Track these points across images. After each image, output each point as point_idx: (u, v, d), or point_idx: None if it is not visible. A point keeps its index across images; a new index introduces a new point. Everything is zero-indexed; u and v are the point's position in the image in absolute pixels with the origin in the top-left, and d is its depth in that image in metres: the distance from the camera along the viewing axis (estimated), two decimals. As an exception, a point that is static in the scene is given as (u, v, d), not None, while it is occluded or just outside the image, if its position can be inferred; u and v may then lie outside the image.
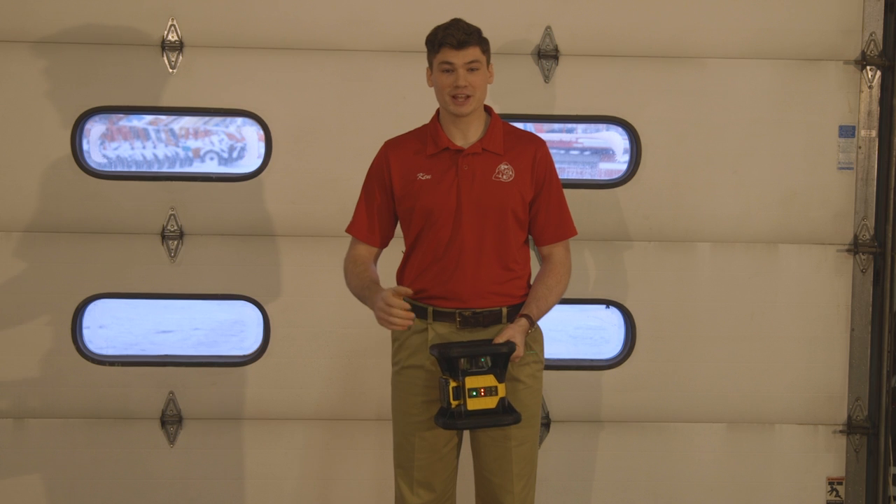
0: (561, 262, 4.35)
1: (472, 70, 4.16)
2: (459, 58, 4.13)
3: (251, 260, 5.47)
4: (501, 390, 4.06)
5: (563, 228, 4.38)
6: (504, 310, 4.27)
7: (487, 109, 4.34)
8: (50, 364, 5.43)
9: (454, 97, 4.18)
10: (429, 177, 4.25)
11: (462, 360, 4.04)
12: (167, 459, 5.50)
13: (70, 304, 5.43)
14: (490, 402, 4.06)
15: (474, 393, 4.04)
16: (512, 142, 4.31)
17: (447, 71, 4.16)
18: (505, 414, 4.07)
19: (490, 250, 4.25)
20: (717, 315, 5.55)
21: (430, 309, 4.28)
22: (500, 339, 4.10)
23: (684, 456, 5.59)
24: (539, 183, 4.30)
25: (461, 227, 4.22)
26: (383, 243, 4.42)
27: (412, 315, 4.08)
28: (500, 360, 4.06)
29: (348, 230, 4.40)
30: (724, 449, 5.60)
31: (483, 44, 4.20)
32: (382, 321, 4.10)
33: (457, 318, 4.26)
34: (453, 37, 4.12)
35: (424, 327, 4.28)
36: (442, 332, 4.26)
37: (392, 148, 4.35)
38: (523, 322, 4.18)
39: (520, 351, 4.10)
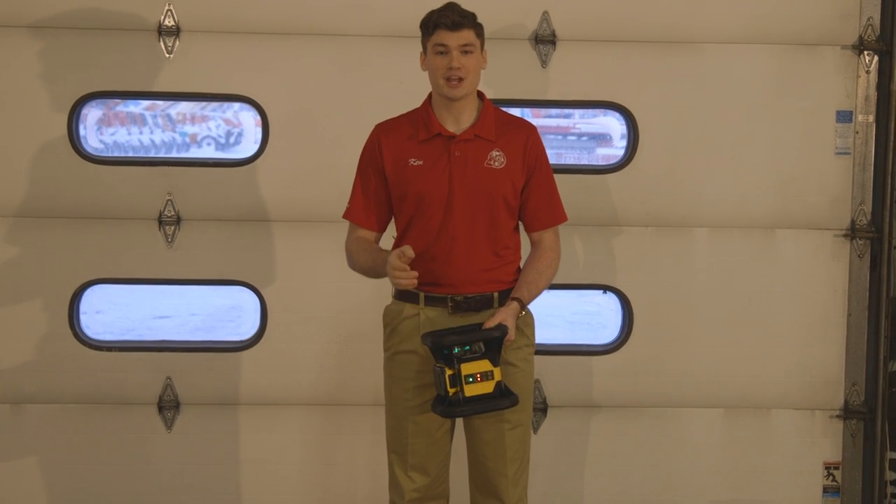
0: (551, 248, 4.38)
1: (465, 52, 4.16)
2: (454, 40, 4.14)
3: (248, 245, 5.46)
4: (497, 374, 4.07)
5: (554, 214, 4.40)
6: (495, 294, 4.28)
7: (479, 95, 4.33)
8: (47, 349, 5.43)
9: (448, 79, 4.17)
10: (420, 162, 4.25)
11: (456, 347, 4.04)
12: (164, 445, 5.50)
13: (67, 289, 5.43)
14: (487, 387, 4.07)
15: (471, 379, 4.05)
16: (503, 128, 4.31)
17: (441, 53, 4.17)
18: (503, 397, 4.08)
19: (481, 237, 4.26)
20: (715, 300, 5.56)
21: (422, 294, 4.28)
22: (491, 323, 4.11)
23: (681, 441, 5.60)
24: (530, 169, 4.31)
25: (453, 214, 4.23)
26: (382, 227, 4.42)
27: (415, 274, 4.08)
28: (493, 345, 4.07)
29: (346, 216, 4.39)
30: (720, 434, 5.61)
31: (477, 28, 4.21)
32: (394, 282, 4.14)
33: (448, 304, 4.27)
34: (448, 18, 4.14)
35: (416, 312, 4.29)
36: (433, 316, 4.26)
37: (384, 132, 4.34)
38: (514, 305, 4.19)
39: (511, 334, 4.11)
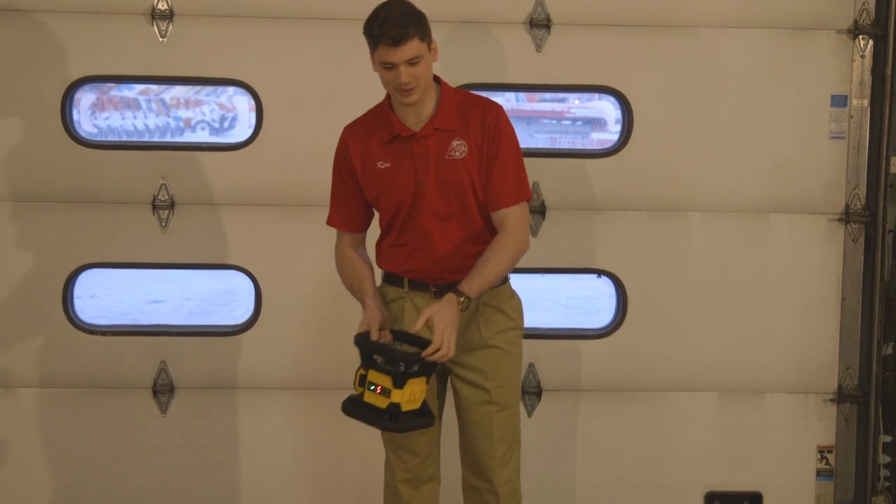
0: (508, 231, 4.19)
1: (413, 64, 4.05)
2: (398, 56, 4.02)
3: (242, 229, 5.46)
4: (396, 396, 4.04)
5: (516, 191, 4.24)
6: None
7: (436, 79, 4.27)
8: (41, 334, 5.43)
9: (399, 91, 4.11)
10: (387, 165, 4.24)
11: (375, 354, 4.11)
12: (159, 428, 5.50)
13: (61, 273, 5.42)
14: (381, 402, 4.08)
15: (372, 387, 4.09)
16: (463, 112, 4.23)
17: (388, 68, 4.07)
18: (388, 419, 4.08)
19: (456, 228, 4.24)
20: (709, 284, 5.56)
21: (406, 280, 4.31)
22: (418, 323, 4.02)
23: (675, 424, 5.60)
24: (488, 146, 4.20)
25: (424, 212, 4.22)
26: (365, 226, 4.45)
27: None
28: (400, 369, 4.05)
29: (328, 223, 4.44)
30: (714, 417, 5.61)
31: (421, 31, 4.05)
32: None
33: (431, 289, 4.29)
34: (389, 34, 3.99)
35: (401, 296, 4.33)
36: (419, 302, 4.29)
37: (350, 136, 4.33)
38: (450, 298, 4.05)
39: (447, 351, 3.99)
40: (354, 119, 4.40)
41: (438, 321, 4.01)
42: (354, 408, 4.16)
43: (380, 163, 4.25)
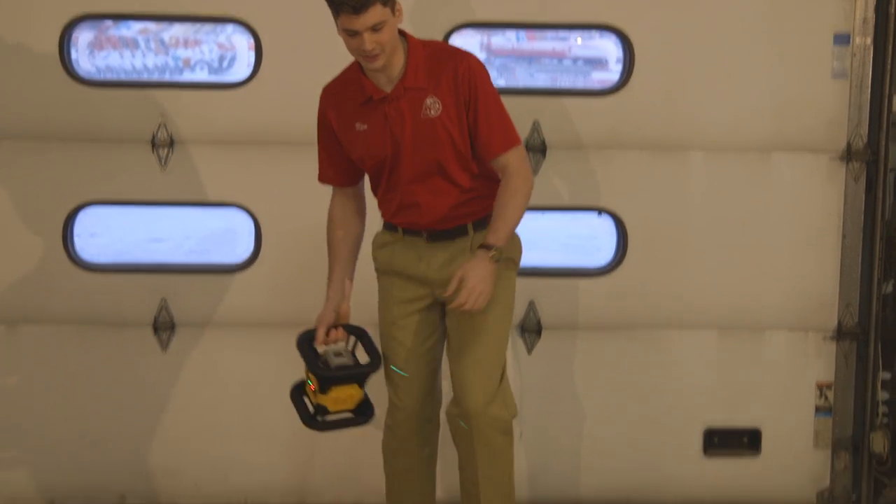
0: (513, 173, 4.21)
1: (377, 30, 4.01)
2: (360, 23, 3.97)
3: (242, 168, 5.45)
4: (321, 399, 4.27)
5: (504, 139, 4.24)
6: (469, 225, 4.30)
7: (402, 34, 4.22)
8: (42, 271, 5.43)
9: (364, 57, 4.09)
10: (365, 126, 4.24)
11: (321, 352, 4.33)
12: (160, 365, 5.52)
13: (61, 211, 5.42)
14: (312, 399, 4.34)
15: (310, 382, 4.32)
16: (434, 67, 4.19)
17: (351, 36, 4.04)
18: (311, 417, 4.34)
19: (440, 183, 4.26)
20: (710, 223, 5.55)
21: (400, 229, 4.37)
22: (454, 282, 4.09)
23: (675, 362, 5.62)
24: (466, 99, 4.18)
25: (404, 172, 4.24)
26: (355, 180, 4.48)
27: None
28: (327, 377, 4.27)
29: (319, 180, 4.48)
30: (714, 355, 5.63)
31: None
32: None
33: (423, 235, 4.34)
34: (349, 4, 3.95)
35: (397, 239, 4.40)
36: (411, 251, 4.37)
37: (327, 99, 4.35)
38: (480, 254, 4.13)
39: (473, 306, 4.07)
40: (333, 78, 4.40)
41: (470, 277, 4.06)
42: (296, 395, 4.41)
43: (358, 124, 4.26)
